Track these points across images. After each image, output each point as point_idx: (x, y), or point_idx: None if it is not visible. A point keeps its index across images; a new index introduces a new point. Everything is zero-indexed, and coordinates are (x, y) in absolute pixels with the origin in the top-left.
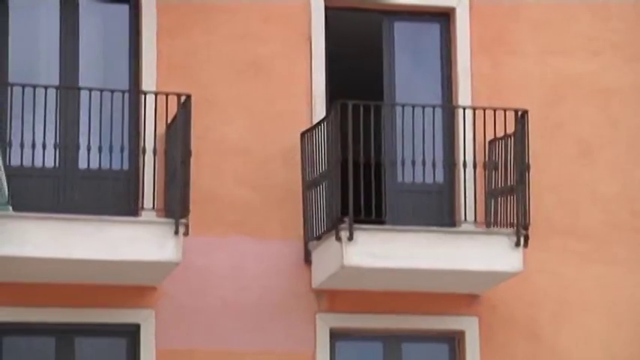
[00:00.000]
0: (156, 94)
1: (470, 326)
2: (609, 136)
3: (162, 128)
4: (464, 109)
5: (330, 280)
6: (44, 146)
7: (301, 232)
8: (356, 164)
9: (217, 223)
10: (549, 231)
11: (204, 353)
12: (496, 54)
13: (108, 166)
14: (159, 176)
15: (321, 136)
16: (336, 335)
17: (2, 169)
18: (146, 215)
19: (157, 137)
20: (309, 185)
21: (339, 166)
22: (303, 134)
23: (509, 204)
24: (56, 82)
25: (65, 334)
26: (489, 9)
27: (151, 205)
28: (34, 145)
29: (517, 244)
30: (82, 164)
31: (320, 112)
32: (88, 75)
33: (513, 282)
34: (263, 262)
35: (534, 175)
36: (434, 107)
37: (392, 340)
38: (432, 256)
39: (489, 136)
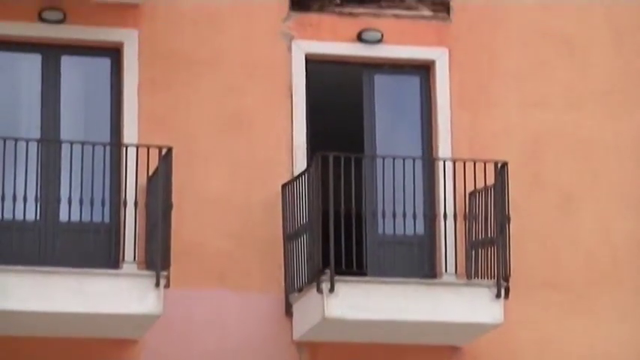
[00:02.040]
0: (137, 146)
1: None
2: (590, 187)
3: (143, 180)
4: (444, 161)
5: (312, 332)
6: (25, 199)
7: (282, 284)
8: (337, 216)
9: (198, 275)
10: (531, 282)
11: None
12: (476, 106)
13: (89, 219)
14: (140, 228)
15: (302, 188)
16: None
17: None
18: (127, 268)
19: (138, 189)
20: (290, 237)
21: (319, 217)
22: (284, 186)
23: (489, 255)
24: (37, 135)
25: None
26: (469, 62)
27: (132, 258)
28: (15, 198)
29: (498, 296)
30: (64, 217)
31: (301, 163)
32: (69, 128)
33: (495, 334)
34: (244, 315)
35: (515, 227)
36: (414, 159)
37: None
38: (413, 308)
39: (470, 188)
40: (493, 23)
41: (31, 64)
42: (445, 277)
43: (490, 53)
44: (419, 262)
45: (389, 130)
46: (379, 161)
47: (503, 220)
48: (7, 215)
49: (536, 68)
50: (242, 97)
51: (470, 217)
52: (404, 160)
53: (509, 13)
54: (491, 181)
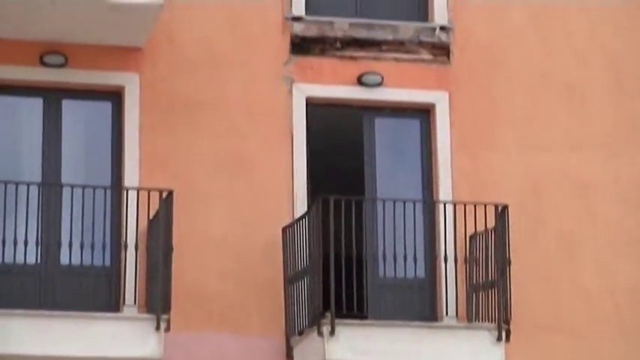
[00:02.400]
0: (138, 190)
1: None
2: (591, 230)
3: (144, 223)
4: (445, 204)
5: None
6: (26, 243)
7: (283, 327)
8: (337, 258)
9: (199, 319)
10: (532, 325)
11: None
12: (476, 149)
13: (90, 262)
14: (140, 272)
15: (303, 231)
16: None
17: None
18: (128, 311)
19: (139, 232)
20: (290, 280)
21: (320, 260)
22: (284, 229)
23: (490, 298)
24: (39, 179)
25: None
26: (469, 105)
27: (133, 301)
28: (15, 242)
29: (499, 339)
30: (64, 260)
31: (301, 206)
32: (70, 171)
33: None
34: (245, 358)
35: (516, 269)
36: (415, 202)
37: None
38: (413, 351)
39: (470, 231)
40: (493, 67)
41: (33, 107)
42: (446, 320)
43: (490, 96)
44: (420, 304)
45: (389, 172)
46: (380, 204)
47: (503, 262)
48: (8, 259)
49: (537, 111)
50: (243, 140)
51: (470, 259)
52: (404, 203)
53: (509, 57)
54: (491, 223)
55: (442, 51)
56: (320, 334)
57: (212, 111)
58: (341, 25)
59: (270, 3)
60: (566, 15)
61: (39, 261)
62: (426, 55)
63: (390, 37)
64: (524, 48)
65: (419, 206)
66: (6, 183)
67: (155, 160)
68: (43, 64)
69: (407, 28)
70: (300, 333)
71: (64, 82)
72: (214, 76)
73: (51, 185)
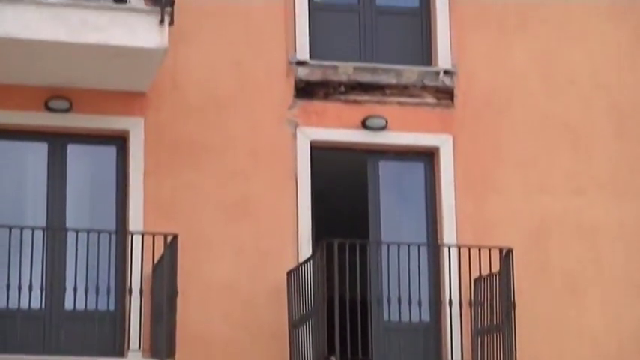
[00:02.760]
0: (143, 234)
1: None
2: (596, 274)
3: (149, 267)
4: (449, 247)
5: None
6: (31, 288)
7: None
8: (342, 302)
9: None
10: None
11: None
12: (480, 192)
13: (94, 307)
14: (145, 316)
15: (308, 275)
16: None
17: None
18: (132, 356)
19: (144, 277)
20: (295, 324)
21: (325, 304)
22: (289, 273)
23: (495, 342)
24: (43, 224)
25: None
26: (473, 148)
27: (137, 346)
28: (20, 287)
29: None
30: (69, 305)
31: (306, 250)
32: (75, 216)
33: None
34: None
35: (521, 313)
36: (419, 245)
37: None
38: None
39: (475, 274)
40: (497, 110)
41: (38, 152)
42: None
43: (494, 140)
44: (424, 348)
45: (394, 216)
46: (384, 247)
47: (508, 306)
48: (12, 304)
49: (541, 154)
50: (247, 184)
51: (475, 303)
52: (409, 247)
53: (513, 100)
54: (496, 267)
55: (446, 95)
56: None
57: (217, 155)
58: (345, 69)
59: (274, 47)
60: (569, 58)
61: (43, 306)
62: (429, 99)
63: (394, 80)
64: (528, 91)
65: (423, 249)
66: (11, 228)
67: (160, 204)
68: (48, 108)
69: (411, 72)
70: None
71: (69, 127)
72: (219, 120)
73: (55, 230)
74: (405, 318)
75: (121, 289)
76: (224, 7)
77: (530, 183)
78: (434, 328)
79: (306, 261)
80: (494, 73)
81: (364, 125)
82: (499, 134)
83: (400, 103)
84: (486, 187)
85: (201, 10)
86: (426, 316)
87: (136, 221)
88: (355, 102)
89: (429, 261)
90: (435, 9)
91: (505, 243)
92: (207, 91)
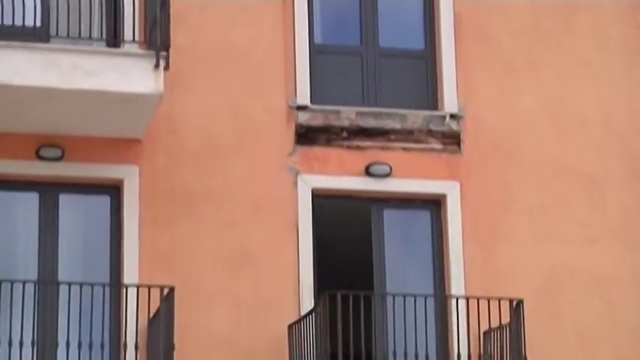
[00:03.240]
0: (138, 287)
1: None
2: (609, 325)
3: (144, 322)
4: (457, 298)
5: None
6: (21, 344)
7: None
8: (346, 357)
9: None
10: None
11: None
12: (489, 241)
13: None
14: None
15: (310, 328)
16: None
17: None
18: None
19: (139, 331)
20: None
21: (328, 359)
22: (290, 326)
23: None
24: (35, 277)
25: None
26: (481, 196)
27: None
28: (10, 343)
29: None
30: None
31: (308, 302)
32: (67, 268)
33: None
34: None
35: None
36: (426, 297)
37: None
38: None
39: (484, 327)
40: (506, 155)
41: (28, 203)
42: None
43: (503, 186)
44: None
45: (399, 266)
46: (389, 299)
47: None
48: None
49: (551, 202)
50: (246, 234)
51: (485, 357)
52: (415, 298)
53: (522, 145)
54: (506, 319)
55: (452, 140)
56: None
57: (214, 204)
58: (347, 114)
59: (273, 91)
60: (580, 102)
61: None
62: (435, 145)
63: (398, 125)
64: (538, 136)
65: (430, 301)
66: (1, 281)
67: (155, 255)
68: (39, 157)
69: (416, 117)
70: None
71: (61, 176)
72: (216, 168)
73: (47, 283)
74: None
75: (116, 345)
76: (222, 50)
77: (541, 231)
78: None
79: (308, 314)
80: (502, 116)
81: (368, 172)
82: (508, 181)
83: (405, 149)
84: (495, 235)
85: (197, 54)
86: None
87: (130, 273)
88: (358, 148)
89: (436, 313)
90: (440, 50)
91: (515, 294)
92: (205, 138)
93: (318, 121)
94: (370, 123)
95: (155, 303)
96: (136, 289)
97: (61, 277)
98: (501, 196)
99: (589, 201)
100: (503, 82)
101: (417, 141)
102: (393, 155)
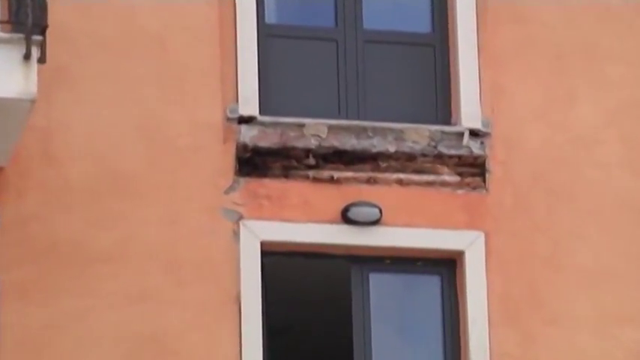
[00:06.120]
0: None
1: None
2: None
3: None
4: None
5: None
6: None
7: None
8: None
9: None
10: None
11: None
12: (527, 322)
13: None
14: None
15: None
16: None
17: None
18: None
19: None
20: None
21: None
22: None
23: None
24: None
25: None
26: (516, 253)
27: None
28: None
29: None
30: None
31: None
32: None
33: None
34: None
35: None
36: None
37: None
38: None
39: None
40: (553, 193)
41: None
42: None
43: (549, 240)
44: None
45: (391, 352)
46: None
47: None
48: None
49: (622, 265)
50: (163, 311)
51: None
52: None
53: (578, 178)
54: None
55: (473, 169)
56: None
57: (115, 267)
58: (316, 129)
59: (204, 96)
60: None
61: None
62: (448, 176)
63: (391, 147)
64: (601, 163)
65: None
66: None
67: (23, 343)
68: None
69: (418, 134)
70: None
71: None
72: (117, 212)
73: None
74: None
75: None
76: (128, 35)
77: (607, 309)
78: None
79: None
80: (548, 134)
81: (346, 217)
82: (557, 231)
83: (402, 183)
84: (538, 314)
85: (91, 41)
86: None
87: None
88: (332, 181)
89: None
90: (455, 35)
91: None
92: (100, 167)
93: (270, 140)
94: (350, 143)
95: None
96: None
97: None
98: (546, 254)
99: None
100: (549, 84)
101: (419, 170)
102: (384, 192)
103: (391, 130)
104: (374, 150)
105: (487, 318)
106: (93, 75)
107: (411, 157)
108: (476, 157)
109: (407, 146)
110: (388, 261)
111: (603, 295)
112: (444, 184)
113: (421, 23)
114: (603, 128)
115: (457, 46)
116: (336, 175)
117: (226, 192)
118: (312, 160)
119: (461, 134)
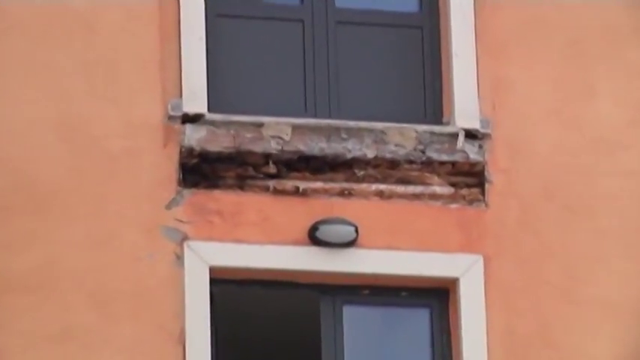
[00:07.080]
0: None
1: None
2: None
3: None
4: None
5: None
6: None
7: None
8: None
9: None
10: None
11: None
12: (533, 357)
13: None
14: None
15: None
16: None
17: None
18: None
19: None
20: None
21: None
22: None
23: None
24: None
25: None
26: (521, 281)
27: None
28: None
29: None
30: None
31: None
32: None
33: None
34: None
35: None
36: None
37: None
38: None
39: None
40: (567, 208)
41: None
42: None
43: (562, 266)
44: None
45: None
46: None
47: None
48: None
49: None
50: (91, 357)
51: None
52: None
53: (597, 190)
54: None
55: (470, 178)
56: None
57: (32, 299)
58: (278, 130)
59: (139, 89)
60: None
61: None
62: (439, 187)
63: (370, 152)
64: (624, 171)
65: None
66: None
67: None
68: None
69: (403, 135)
70: None
71: None
72: (37, 233)
73: None
74: None
75: None
76: (47, 11)
77: (627, 347)
78: None
79: None
80: (561, 137)
81: (314, 238)
82: (571, 255)
83: (382, 196)
84: (545, 354)
85: (2, 19)
86: None
87: None
88: (297, 194)
89: None
90: (447, 14)
91: None
92: (14, 177)
93: (222, 143)
94: (319, 147)
95: None
96: None
97: None
98: (559, 282)
99: None
100: (561, 75)
101: (404, 180)
102: (360, 207)
103: (370, 130)
104: (349, 155)
105: (485, 352)
106: (4, 64)
107: (393, 164)
108: (473, 164)
109: (389, 150)
110: (366, 291)
111: (626, 333)
112: (433, 196)
113: (406, 0)
114: (627, 129)
115: (450, 28)
116: (303, 186)
117: (168, 207)
118: (272, 168)
119: (455, 136)
